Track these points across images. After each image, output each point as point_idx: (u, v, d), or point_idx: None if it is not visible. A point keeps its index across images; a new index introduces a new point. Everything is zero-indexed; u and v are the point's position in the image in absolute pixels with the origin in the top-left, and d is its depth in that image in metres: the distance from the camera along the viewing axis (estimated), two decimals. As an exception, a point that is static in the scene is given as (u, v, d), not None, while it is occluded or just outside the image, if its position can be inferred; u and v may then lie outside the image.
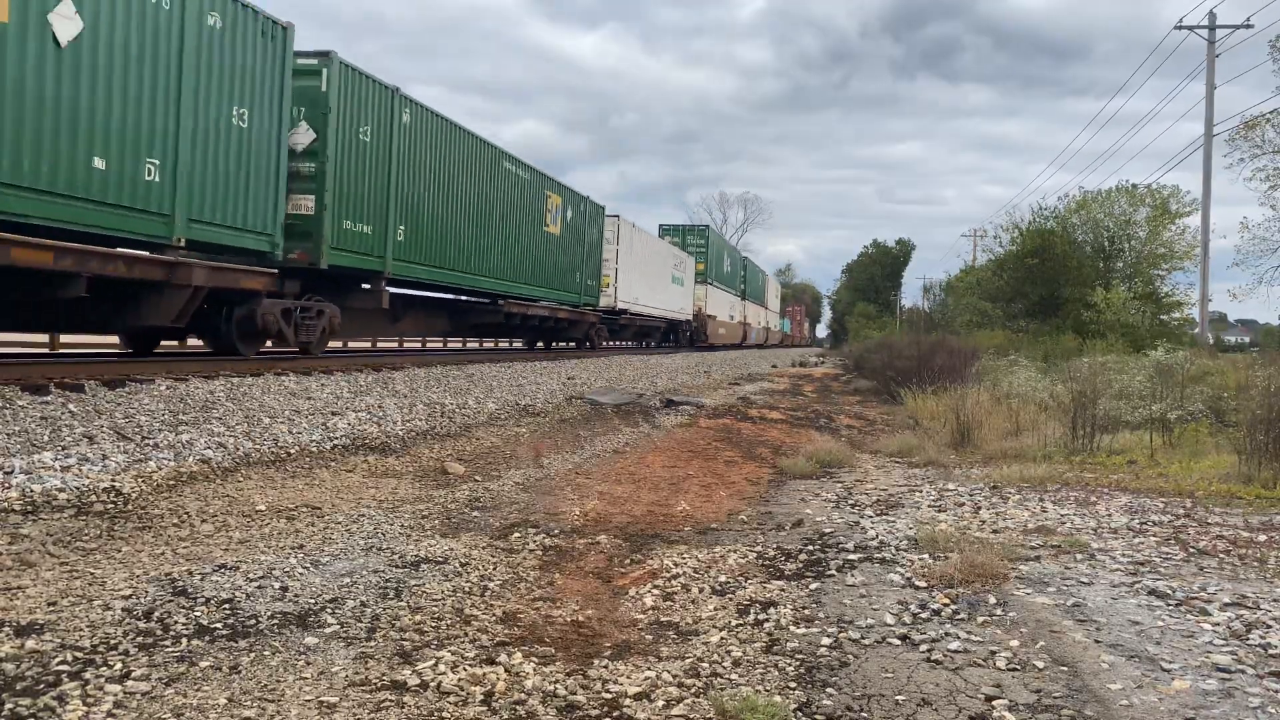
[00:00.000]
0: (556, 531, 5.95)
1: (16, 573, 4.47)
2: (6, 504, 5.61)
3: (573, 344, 28.83)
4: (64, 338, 17.39)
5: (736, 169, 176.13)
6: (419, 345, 27.74)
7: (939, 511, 7.00)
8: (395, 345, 26.36)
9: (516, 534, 5.83)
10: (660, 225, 45.16)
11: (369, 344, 24.39)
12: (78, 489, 6.06)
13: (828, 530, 6.29)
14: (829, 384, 26.39)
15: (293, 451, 8.29)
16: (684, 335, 41.33)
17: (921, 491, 8.02)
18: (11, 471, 6.15)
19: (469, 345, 29.28)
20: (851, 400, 20.22)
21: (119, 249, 10.15)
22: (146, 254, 10.53)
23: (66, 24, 8.83)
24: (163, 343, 14.10)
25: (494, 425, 11.34)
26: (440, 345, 28.43)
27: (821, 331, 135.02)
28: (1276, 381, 9.12)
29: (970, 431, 11.14)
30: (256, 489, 6.81)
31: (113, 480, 6.37)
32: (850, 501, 7.53)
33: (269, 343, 13.92)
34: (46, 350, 16.97)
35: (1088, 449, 10.02)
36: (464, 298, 20.70)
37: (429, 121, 16.79)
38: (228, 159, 11.44)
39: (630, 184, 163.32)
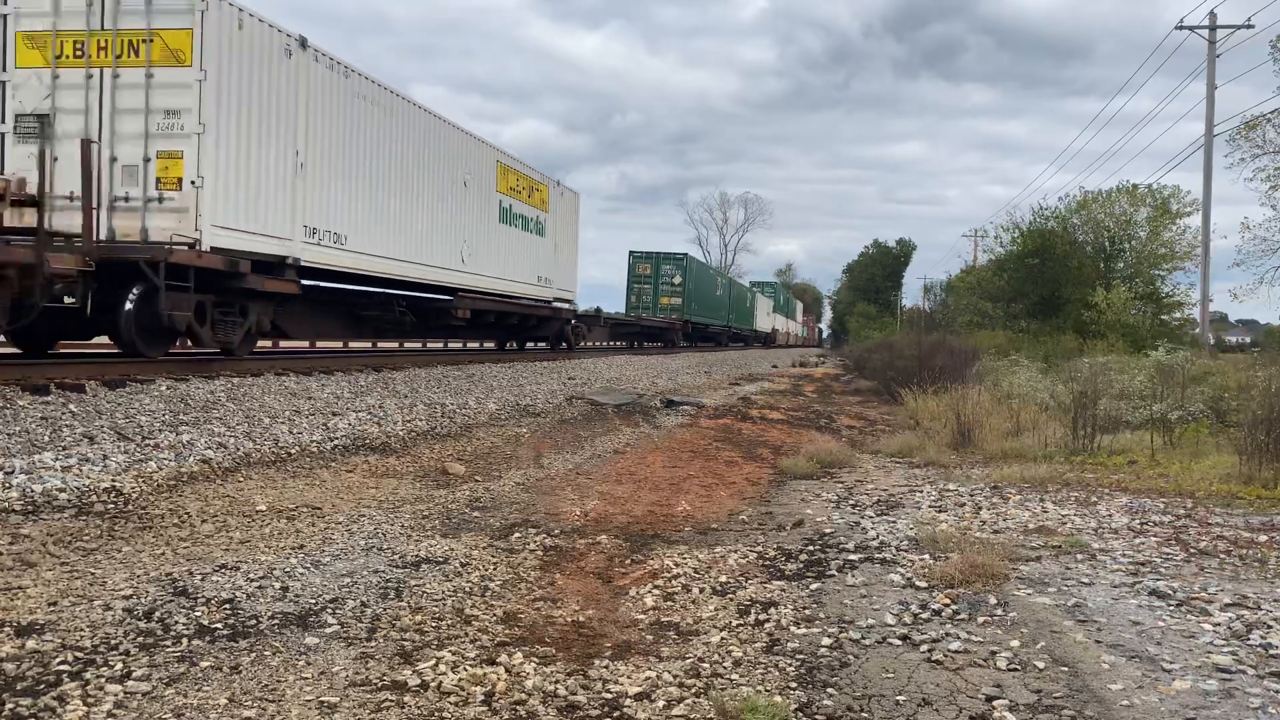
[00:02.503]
0: (557, 532, 5.94)
1: (17, 573, 4.47)
2: (7, 504, 5.62)
3: (741, 343, 58.53)
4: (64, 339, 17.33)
5: (738, 169, 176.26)
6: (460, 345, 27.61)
7: (939, 512, 7.00)
8: (417, 346, 26.14)
9: (517, 534, 5.83)
10: (751, 282, 77.93)
11: (369, 344, 24.40)
12: (78, 489, 6.06)
13: (828, 530, 6.29)
14: (829, 384, 26.39)
15: (293, 452, 8.29)
16: (769, 341, 71.22)
17: (922, 492, 8.01)
18: (12, 472, 6.15)
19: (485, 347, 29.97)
20: (852, 400, 20.21)
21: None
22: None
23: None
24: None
25: (494, 425, 11.35)
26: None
27: (823, 332, 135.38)
28: (1277, 382, 9.12)
29: (971, 432, 11.13)
30: (257, 489, 6.82)
31: (113, 480, 6.37)
32: (851, 502, 7.53)
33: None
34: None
35: (1088, 449, 10.01)
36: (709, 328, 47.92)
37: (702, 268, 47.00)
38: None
39: (631, 184, 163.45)
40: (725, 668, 3.68)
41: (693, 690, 3.44)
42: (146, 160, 10.86)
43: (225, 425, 8.63)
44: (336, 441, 8.95)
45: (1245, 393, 11.00)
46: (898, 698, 3.40)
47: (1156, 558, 5.59)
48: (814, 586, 4.86)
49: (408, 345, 27.28)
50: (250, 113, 11.56)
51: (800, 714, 3.27)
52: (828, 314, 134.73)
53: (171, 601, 4.15)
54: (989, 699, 3.39)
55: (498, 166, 20.15)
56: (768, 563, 5.37)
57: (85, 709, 3.03)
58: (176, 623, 3.88)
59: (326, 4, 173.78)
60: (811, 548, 5.76)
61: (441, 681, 3.40)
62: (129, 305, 10.64)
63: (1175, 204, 32.31)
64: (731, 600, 4.58)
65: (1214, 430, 10.72)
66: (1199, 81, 29.05)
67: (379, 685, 3.35)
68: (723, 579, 4.96)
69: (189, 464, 7.21)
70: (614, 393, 15.98)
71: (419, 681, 3.40)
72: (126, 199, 10.89)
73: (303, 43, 12.61)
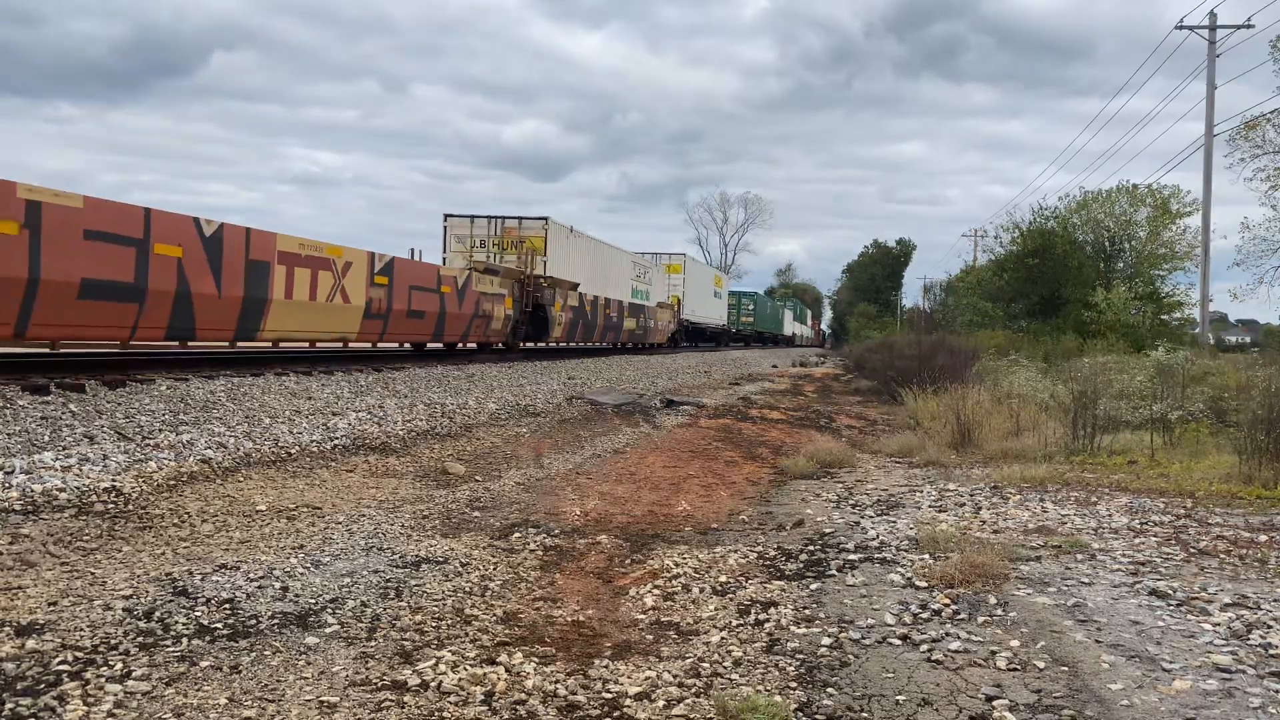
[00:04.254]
0: (557, 531, 5.95)
1: (17, 573, 4.48)
2: (7, 504, 5.62)
3: (773, 343, 75.04)
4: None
5: (738, 169, 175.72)
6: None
7: (939, 512, 7.00)
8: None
9: (517, 534, 5.83)
10: (768, 291, 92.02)
11: (370, 345, 24.36)
12: (78, 489, 6.06)
13: (828, 530, 6.29)
14: (829, 384, 26.38)
15: (293, 451, 8.29)
16: (790, 342, 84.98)
17: (922, 492, 8.01)
18: (12, 471, 6.15)
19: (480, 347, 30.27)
20: (852, 400, 20.21)
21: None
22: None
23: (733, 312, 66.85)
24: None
25: (494, 425, 11.35)
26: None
27: (824, 333, 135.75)
28: (1277, 382, 9.11)
29: (971, 432, 11.13)
30: (257, 489, 6.82)
31: (113, 480, 6.37)
32: (851, 501, 7.53)
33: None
34: (47, 350, 16.95)
35: (1088, 449, 10.01)
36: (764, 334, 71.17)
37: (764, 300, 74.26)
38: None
39: (631, 184, 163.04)
40: (725, 667, 3.69)
41: (693, 690, 3.45)
42: (674, 296, 43.35)
43: (225, 425, 8.63)
44: (336, 441, 8.95)
45: (1245, 393, 10.99)
46: (898, 697, 3.40)
47: (1156, 558, 5.59)
48: (814, 586, 4.86)
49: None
50: (691, 284, 45.78)
51: (800, 714, 3.27)
52: (828, 314, 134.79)
53: (171, 601, 4.15)
54: (989, 699, 3.39)
55: (713, 276, 53.10)
56: (768, 563, 5.37)
57: (85, 709, 3.03)
58: (176, 622, 3.88)
59: (327, 4, 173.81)
60: (811, 548, 5.76)
61: (441, 681, 3.40)
62: (670, 334, 41.45)
63: (1175, 204, 32.33)
64: (731, 600, 4.59)
65: (1214, 430, 10.71)
66: (1199, 81, 29.06)
67: (379, 685, 3.36)
68: (723, 579, 4.96)
69: (189, 464, 7.21)
70: (614, 393, 15.98)
71: (419, 681, 3.40)
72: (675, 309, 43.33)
73: (686, 257, 47.30)
